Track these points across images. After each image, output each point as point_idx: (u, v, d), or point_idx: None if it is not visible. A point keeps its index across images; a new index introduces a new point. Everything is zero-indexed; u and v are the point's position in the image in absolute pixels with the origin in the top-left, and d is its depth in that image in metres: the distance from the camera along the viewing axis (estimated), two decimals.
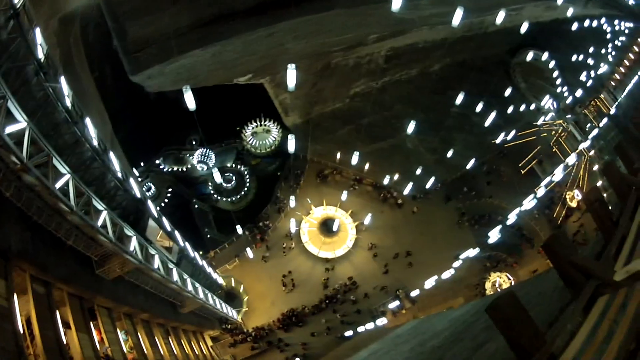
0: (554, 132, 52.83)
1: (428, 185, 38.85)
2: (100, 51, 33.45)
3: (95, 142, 17.66)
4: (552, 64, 56.21)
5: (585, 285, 4.97)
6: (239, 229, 35.78)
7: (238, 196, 47.41)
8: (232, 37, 27.98)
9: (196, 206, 48.18)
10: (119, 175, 19.76)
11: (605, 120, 48.40)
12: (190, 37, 26.98)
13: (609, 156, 48.00)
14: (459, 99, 30.38)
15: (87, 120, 17.30)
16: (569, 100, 55.52)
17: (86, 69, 30.92)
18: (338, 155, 42.22)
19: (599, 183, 47.28)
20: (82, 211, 13.94)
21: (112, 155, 19.18)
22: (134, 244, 17.37)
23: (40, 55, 14.79)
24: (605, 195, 10.09)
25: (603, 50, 62.28)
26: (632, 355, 3.66)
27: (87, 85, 29.21)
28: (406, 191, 37.69)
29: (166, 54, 26.36)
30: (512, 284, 40.93)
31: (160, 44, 25.97)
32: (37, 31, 15.01)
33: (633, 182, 7.93)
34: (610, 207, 7.91)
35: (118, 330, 18.66)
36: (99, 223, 14.84)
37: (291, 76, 18.95)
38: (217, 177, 31.96)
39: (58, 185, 12.75)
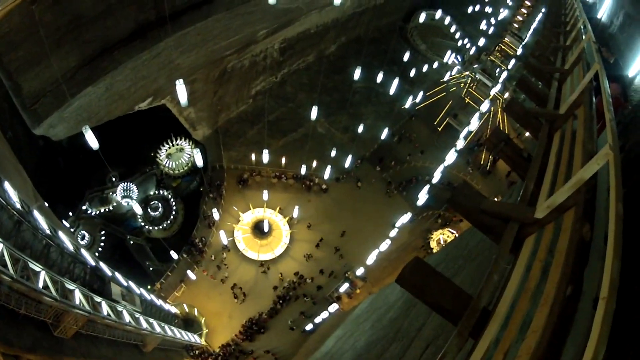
0: (462, 84, 54.12)
1: (347, 165, 39.04)
2: (9, 111, 32.29)
3: (18, 205, 17.57)
4: (447, 20, 57.46)
5: (505, 231, 4.65)
6: (174, 255, 35.03)
7: (168, 221, 46.52)
8: (119, 67, 28.09)
9: (131, 242, 46.76)
10: (47, 232, 19.64)
11: (513, 61, 49.72)
12: (79, 78, 26.93)
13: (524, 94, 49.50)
14: (357, 74, 30.45)
15: (7, 185, 17.34)
16: (473, 50, 56.86)
17: None
18: (253, 157, 42.22)
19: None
20: (22, 277, 13.96)
21: (36, 213, 19.14)
22: (78, 297, 17.25)
23: None
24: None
25: None
26: (570, 301, 3.44)
27: (1, 148, 28.05)
28: (327, 175, 37.83)
29: (60, 99, 26.22)
30: (457, 236, 41.68)
31: (52, 91, 25.77)
32: None
33: (541, 113, 7.88)
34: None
35: None
36: (40, 285, 14.80)
37: (181, 92, 18.73)
38: (138, 209, 31.26)
39: None
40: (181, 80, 18.51)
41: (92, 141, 17.43)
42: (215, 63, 38.94)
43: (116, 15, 25.73)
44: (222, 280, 39.47)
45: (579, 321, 3.39)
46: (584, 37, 10.31)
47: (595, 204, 4.68)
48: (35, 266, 14.94)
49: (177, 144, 48.68)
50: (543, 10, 52.55)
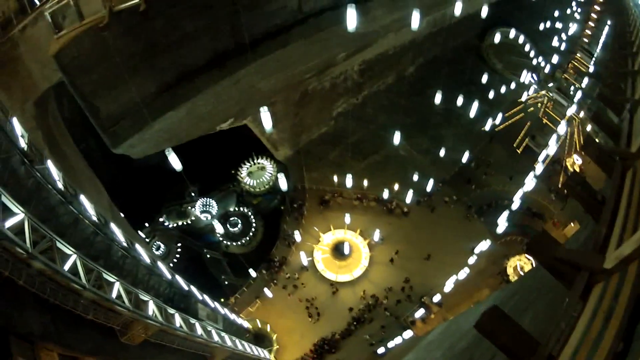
0: (539, 104, 52.98)
1: (429, 188, 38.70)
2: (81, 123, 33.71)
3: (94, 218, 17.88)
4: (521, 38, 56.52)
5: (575, 278, 4.87)
6: (252, 272, 35.54)
7: (247, 238, 47.22)
8: (199, 93, 27.85)
9: (208, 256, 48.12)
10: (124, 244, 20.00)
11: (586, 79, 48.38)
12: (159, 103, 26.75)
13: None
14: (438, 96, 30.31)
15: (82, 197, 17.56)
16: (547, 68, 55.69)
17: (71, 145, 31.00)
18: (335, 178, 42.10)
19: (596, 141, 47.20)
20: (95, 286, 14.04)
21: (113, 226, 19.40)
22: (152, 308, 17.36)
23: (23, 144, 15.10)
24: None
25: (568, 11, 62.58)
26: (620, 357, 3.45)
27: (75, 160, 29.28)
28: (409, 199, 37.58)
29: (141, 122, 26.25)
30: (534, 264, 40.58)
31: (132, 114, 25.88)
32: (14, 121, 15.32)
33: (614, 152, 7.63)
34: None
35: None
36: (114, 295, 14.90)
37: (265, 118, 19.09)
38: (219, 228, 31.89)
39: (66, 267, 12.89)
40: (266, 108, 18.75)
41: (176, 163, 17.80)
42: (295, 85, 39.13)
43: (191, 44, 25.30)
44: (308, 301, 39.36)
45: None
46: None
47: None
48: (110, 277, 15.04)
49: (259, 163, 49.28)
50: (609, 22, 50.65)
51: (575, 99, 45.44)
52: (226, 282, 46.21)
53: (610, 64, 16.12)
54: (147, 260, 21.95)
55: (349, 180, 32.29)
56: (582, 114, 49.34)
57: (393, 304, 39.02)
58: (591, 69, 50.71)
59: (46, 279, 12.62)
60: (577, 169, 47.82)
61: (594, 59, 51.27)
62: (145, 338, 17.60)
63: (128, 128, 26.55)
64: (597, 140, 47.32)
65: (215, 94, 29.68)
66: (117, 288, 15.20)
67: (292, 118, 42.21)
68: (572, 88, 51.25)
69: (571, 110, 45.40)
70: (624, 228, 5.26)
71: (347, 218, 36.41)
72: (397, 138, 30.09)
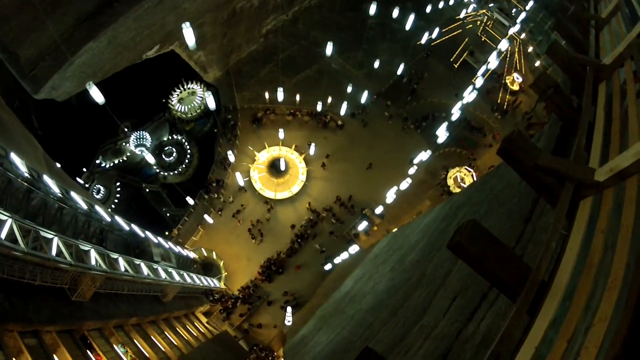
0: (479, 22, 53.40)
1: (363, 100, 39.03)
2: (15, 82, 32.78)
3: (26, 174, 17.50)
4: None
5: (561, 190, 4.25)
6: (190, 200, 35.48)
7: (183, 166, 47.18)
8: (120, 18, 27.21)
9: (147, 190, 47.78)
10: (59, 195, 19.67)
11: (531, 3, 48.78)
12: (78, 35, 26.33)
13: (541, 37, 48.84)
14: (372, 10, 30.00)
15: (12, 156, 17.21)
16: None
17: (3, 104, 30.03)
18: (267, 96, 42.34)
19: (537, 63, 48.20)
20: (35, 248, 13.72)
21: (46, 178, 19.13)
22: (94, 257, 17.16)
23: None
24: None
25: None
26: None
27: (7, 118, 28.35)
28: (343, 112, 37.87)
29: (60, 60, 25.83)
30: (474, 176, 41.72)
31: (51, 53, 25.48)
32: None
33: (587, 61, 7.11)
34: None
35: (115, 346, 18.58)
36: (54, 252, 14.55)
37: (188, 35, 18.68)
38: (150, 159, 31.43)
39: (3, 234, 12.41)
40: (188, 23, 18.45)
41: (97, 96, 17.50)
42: (223, 5, 38.49)
43: None
44: (250, 223, 39.89)
45: None
46: None
47: None
48: (47, 233, 14.64)
49: (189, 88, 49.04)
50: None
51: (518, 20, 45.89)
52: (168, 214, 46.18)
53: None
54: (84, 206, 21.62)
55: (280, 96, 32.09)
56: (523, 36, 50.18)
57: (337, 211, 40.35)
58: None
59: None
60: (517, 87, 48.93)
61: None
62: (96, 290, 17.65)
63: (47, 68, 26.03)
64: (541, 62, 47.75)
65: (138, 17, 29.24)
66: (56, 244, 14.92)
67: (220, 39, 41.56)
68: (514, 10, 51.75)
69: (513, 30, 45.96)
70: (605, 140, 4.91)
71: (281, 134, 36.44)
72: (329, 50, 29.92)
